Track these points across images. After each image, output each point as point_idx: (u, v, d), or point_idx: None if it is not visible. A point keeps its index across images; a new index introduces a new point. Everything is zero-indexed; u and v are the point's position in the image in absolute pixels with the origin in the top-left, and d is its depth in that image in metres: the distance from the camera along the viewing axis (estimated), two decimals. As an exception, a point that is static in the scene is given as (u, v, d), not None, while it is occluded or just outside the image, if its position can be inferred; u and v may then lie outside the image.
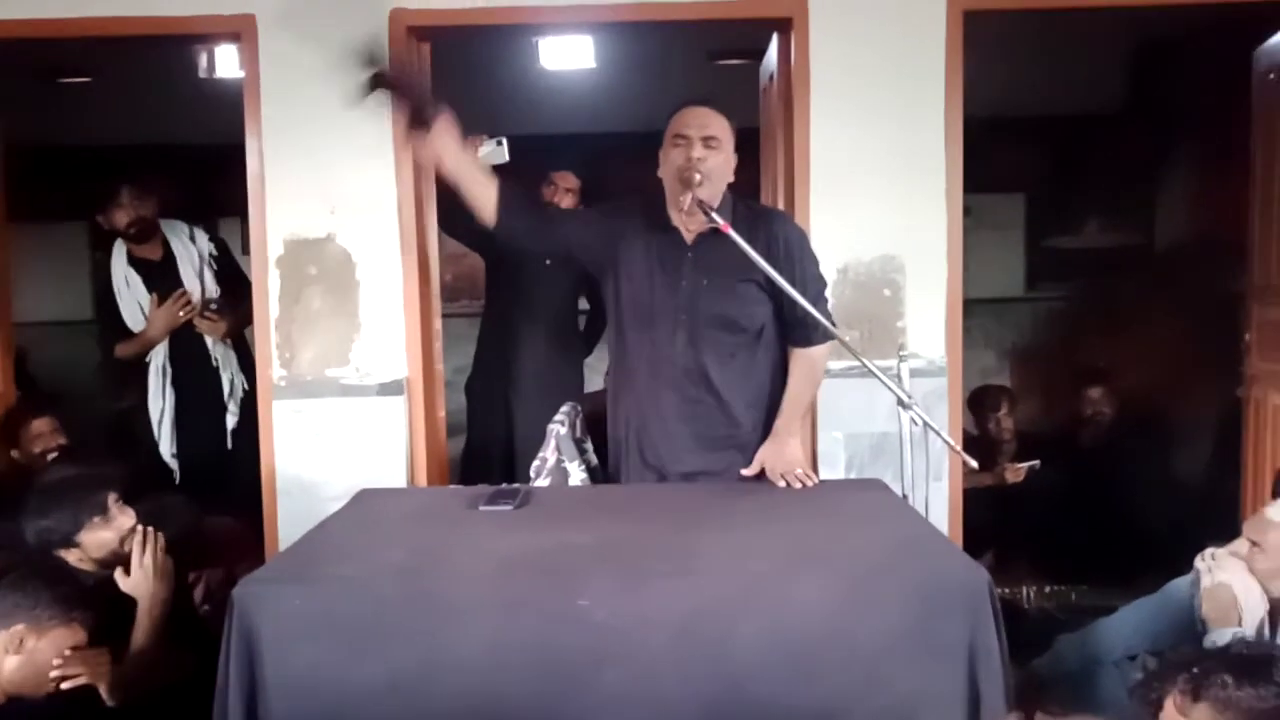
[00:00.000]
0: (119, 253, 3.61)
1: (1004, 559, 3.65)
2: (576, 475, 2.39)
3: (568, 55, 4.74)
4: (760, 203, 3.11)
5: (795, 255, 2.38)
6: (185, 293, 3.56)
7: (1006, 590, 3.39)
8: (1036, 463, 3.88)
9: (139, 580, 2.20)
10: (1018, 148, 5.21)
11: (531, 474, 2.49)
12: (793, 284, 2.24)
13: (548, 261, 3.56)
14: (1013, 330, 5.73)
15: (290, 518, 3.03)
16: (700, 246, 2.39)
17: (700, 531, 2.00)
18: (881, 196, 3.10)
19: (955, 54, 3.06)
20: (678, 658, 1.75)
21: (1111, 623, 2.54)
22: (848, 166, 3.08)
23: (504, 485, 2.43)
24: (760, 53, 3.49)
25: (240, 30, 3.09)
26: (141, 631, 2.18)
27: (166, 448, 3.60)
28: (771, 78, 3.34)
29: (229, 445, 3.61)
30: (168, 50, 4.44)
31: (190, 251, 3.63)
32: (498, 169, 3.28)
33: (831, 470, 3.08)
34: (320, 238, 3.09)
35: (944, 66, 3.07)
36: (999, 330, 5.67)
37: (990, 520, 3.56)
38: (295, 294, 3.10)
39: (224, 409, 3.62)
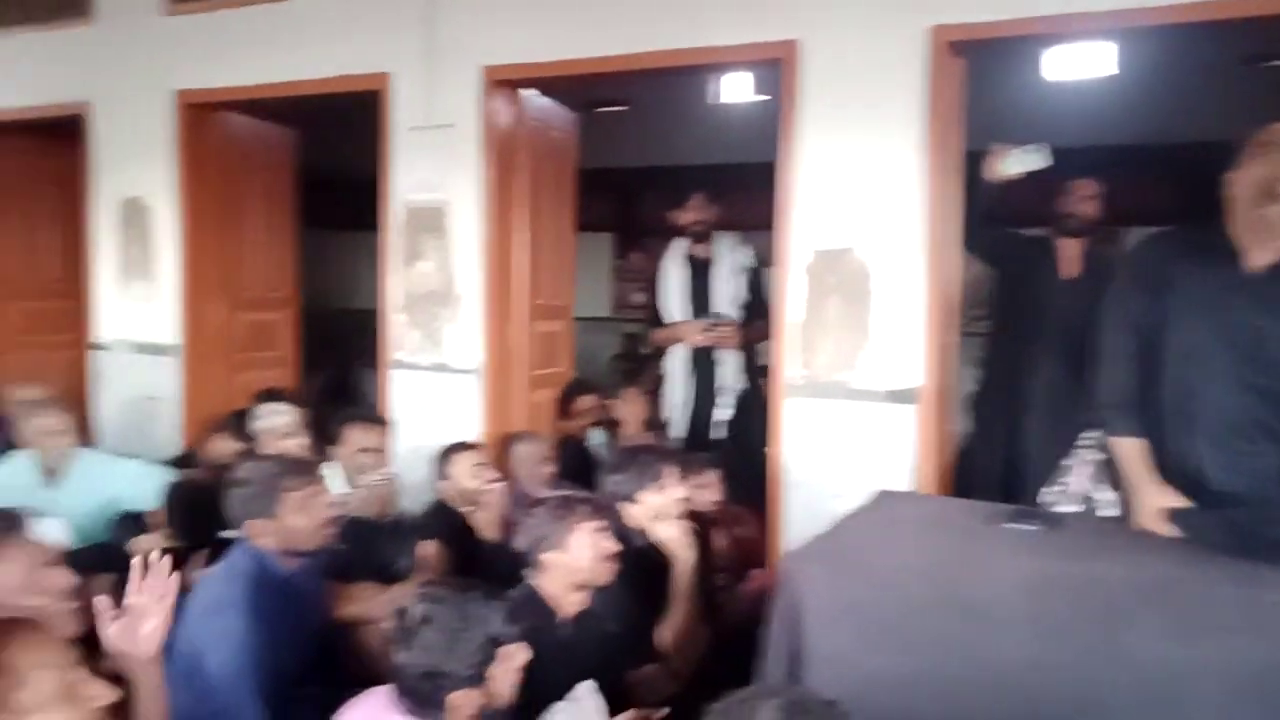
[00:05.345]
0: (677, 246, 4.08)
1: None
2: (1109, 505, 2.28)
3: (1085, 63, 4.49)
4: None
5: None
6: (717, 323, 3.92)
7: None
8: None
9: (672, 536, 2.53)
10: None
11: (1048, 498, 2.42)
12: None
13: (1063, 277, 3.42)
14: None
15: (796, 509, 3.24)
16: (1267, 278, 2.05)
17: (1263, 586, 1.81)
18: None
19: None
20: (1231, 715, 1.63)
21: None
22: None
23: (1024, 506, 2.39)
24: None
25: (781, 56, 3.30)
26: (679, 591, 2.49)
27: (677, 430, 4.01)
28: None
29: (712, 434, 3.91)
30: (693, 79, 4.88)
31: (729, 259, 4.02)
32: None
33: None
34: (841, 249, 3.24)
35: None
36: None
37: None
38: (817, 301, 3.27)
39: (713, 401, 3.95)
